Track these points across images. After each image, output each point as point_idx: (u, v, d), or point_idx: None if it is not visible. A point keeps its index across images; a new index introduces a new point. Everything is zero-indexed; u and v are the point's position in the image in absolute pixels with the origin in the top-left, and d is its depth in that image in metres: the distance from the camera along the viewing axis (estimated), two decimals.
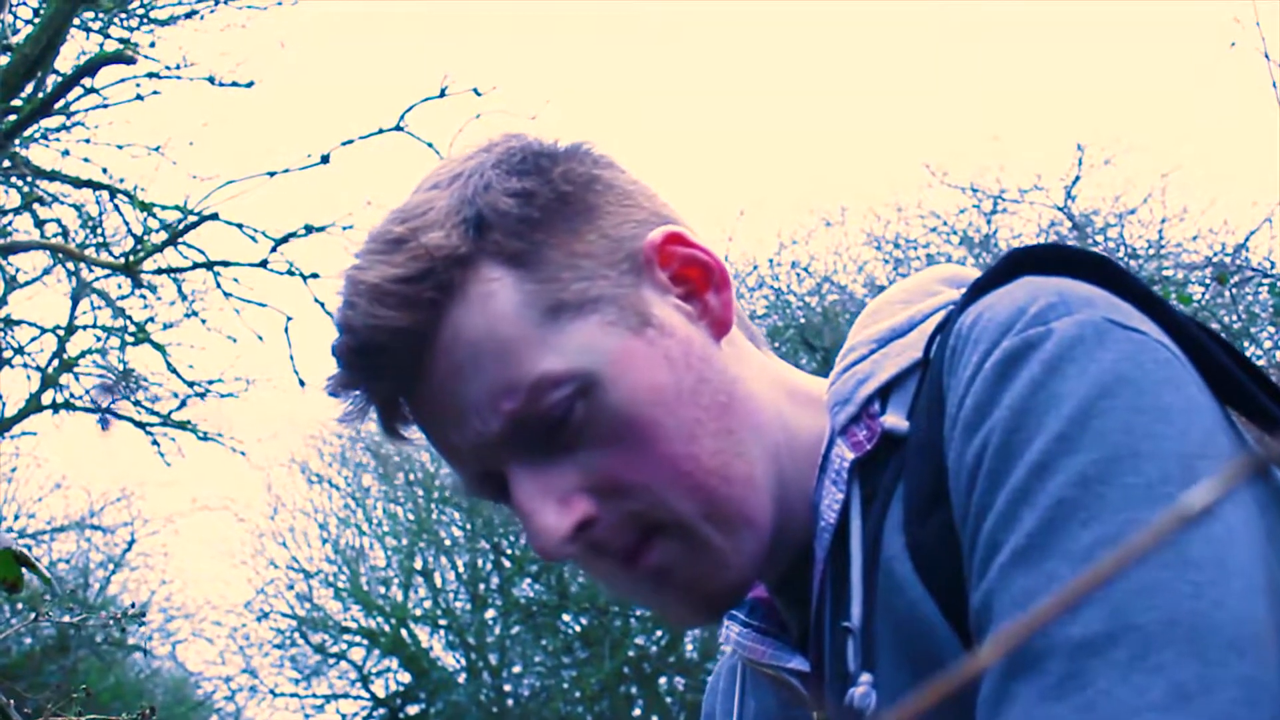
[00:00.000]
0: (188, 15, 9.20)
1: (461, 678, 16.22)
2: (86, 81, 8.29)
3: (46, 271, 9.98)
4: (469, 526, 15.77)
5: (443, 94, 7.72)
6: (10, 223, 8.87)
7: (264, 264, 8.23)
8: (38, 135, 8.86)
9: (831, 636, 1.00)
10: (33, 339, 10.36)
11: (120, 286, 9.42)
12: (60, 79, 7.92)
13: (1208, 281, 8.67)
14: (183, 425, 10.02)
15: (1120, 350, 0.85)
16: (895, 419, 0.99)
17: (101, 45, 8.68)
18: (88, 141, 9.04)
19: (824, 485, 1.02)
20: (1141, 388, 0.83)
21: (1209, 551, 0.78)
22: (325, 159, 7.37)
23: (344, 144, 7.46)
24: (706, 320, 1.06)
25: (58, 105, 8.31)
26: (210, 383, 9.96)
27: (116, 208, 8.82)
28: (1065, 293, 0.89)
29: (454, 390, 1.00)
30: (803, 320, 12.39)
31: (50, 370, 10.40)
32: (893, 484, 0.97)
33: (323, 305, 7.83)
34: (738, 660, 1.22)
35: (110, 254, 8.73)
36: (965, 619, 0.88)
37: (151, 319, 9.66)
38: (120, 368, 9.91)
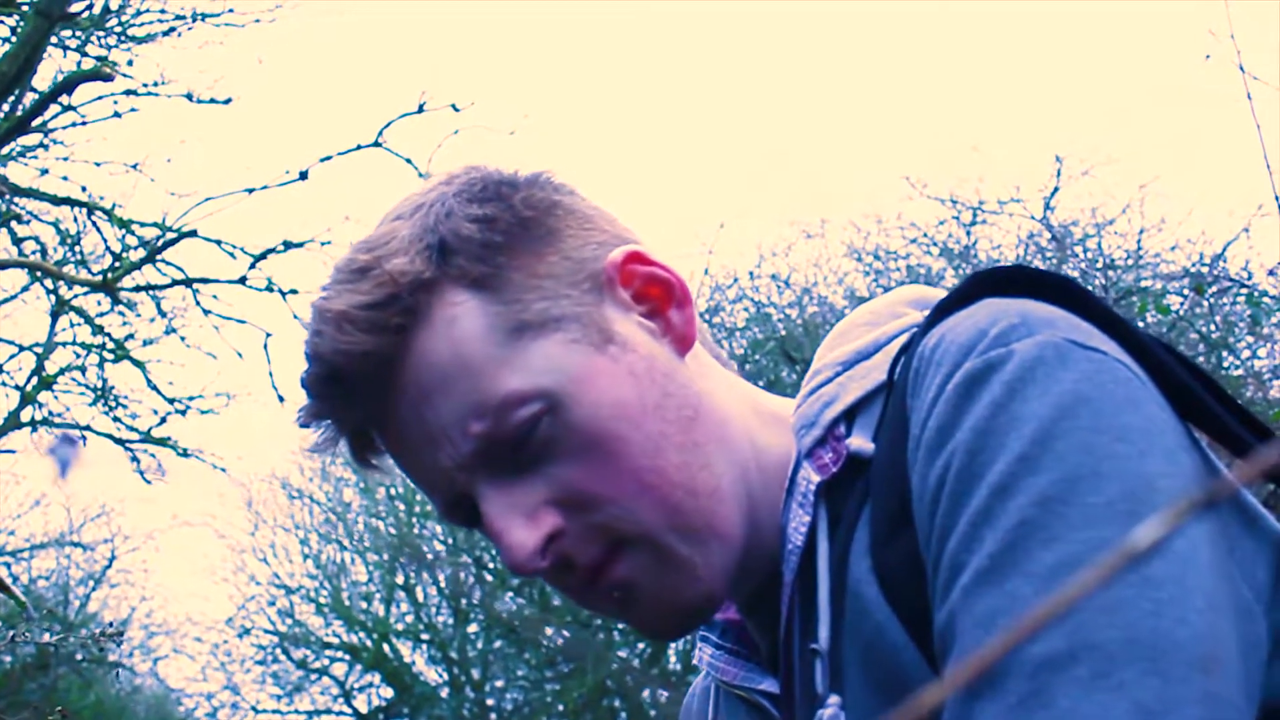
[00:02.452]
0: (165, 33, 9.21)
1: (444, 692, 16.18)
2: (64, 99, 8.28)
3: (25, 289, 9.96)
4: (450, 540, 15.74)
5: (421, 110, 7.73)
6: None
7: (243, 280, 8.23)
8: (15, 153, 8.84)
9: (800, 659, 1.00)
10: (11, 357, 10.35)
11: (99, 304, 9.41)
12: (38, 97, 7.91)
13: (1186, 292, 8.71)
14: (163, 442, 9.99)
15: (1081, 371, 0.85)
16: (861, 441, 0.99)
17: (79, 63, 8.67)
18: (66, 159, 9.04)
19: (791, 508, 1.02)
20: (1102, 408, 0.84)
21: (1170, 569, 0.78)
22: (304, 175, 7.38)
23: (322, 160, 7.47)
24: (670, 336, 1.07)
25: (35, 123, 8.30)
26: (190, 399, 9.94)
27: (95, 225, 8.81)
28: (1027, 314, 0.90)
29: (423, 415, 1.01)
30: (783, 332, 12.39)
31: (29, 388, 10.37)
32: (859, 506, 0.97)
33: (302, 321, 7.82)
34: (711, 682, 1.22)
35: (89, 271, 8.71)
36: (931, 640, 0.88)
37: (130, 336, 9.65)
38: (96, 390, 9.87)
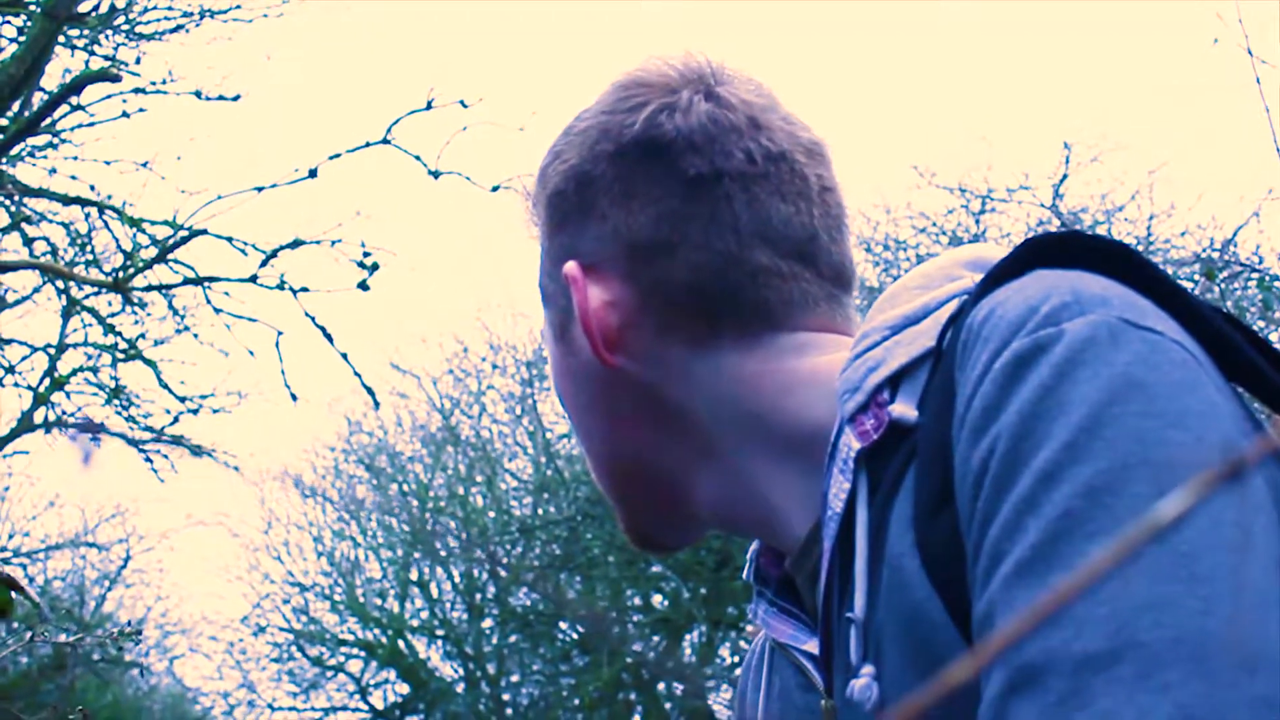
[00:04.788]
0: (173, 30, 9.20)
1: (460, 688, 16.21)
2: (73, 99, 8.29)
3: (36, 290, 9.97)
4: (464, 536, 15.76)
5: (429, 107, 7.71)
6: None
7: (254, 279, 8.21)
8: (25, 153, 8.85)
9: (837, 625, 0.99)
10: (23, 358, 10.35)
11: (110, 304, 9.41)
12: (46, 97, 7.91)
13: (1196, 277, 8.67)
14: (175, 441, 10.00)
15: (1134, 352, 0.82)
16: (904, 408, 0.96)
17: (87, 62, 8.67)
18: (75, 159, 9.02)
19: (832, 474, 1.00)
20: (1155, 392, 0.80)
21: (1221, 564, 0.75)
22: (313, 173, 7.36)
23: (332, 158, 7.44)
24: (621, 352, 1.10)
25: (44, 123, 8.30)
26: (202, 398, 9.96)
27: (105, 224, 8.80)
28: (1079, 290, 0.86)
29: None
30: None
31: (42, 389, 10.38)
32: (899, 475, 0.95)
33: (313, 319, 7.82)
34: (762, 644, 1.22)
35: (100, 271, 8.72)
36: (970, 621, 0.86)
37: (142, 335, 9.66)
38: (109, 390, 9.89)
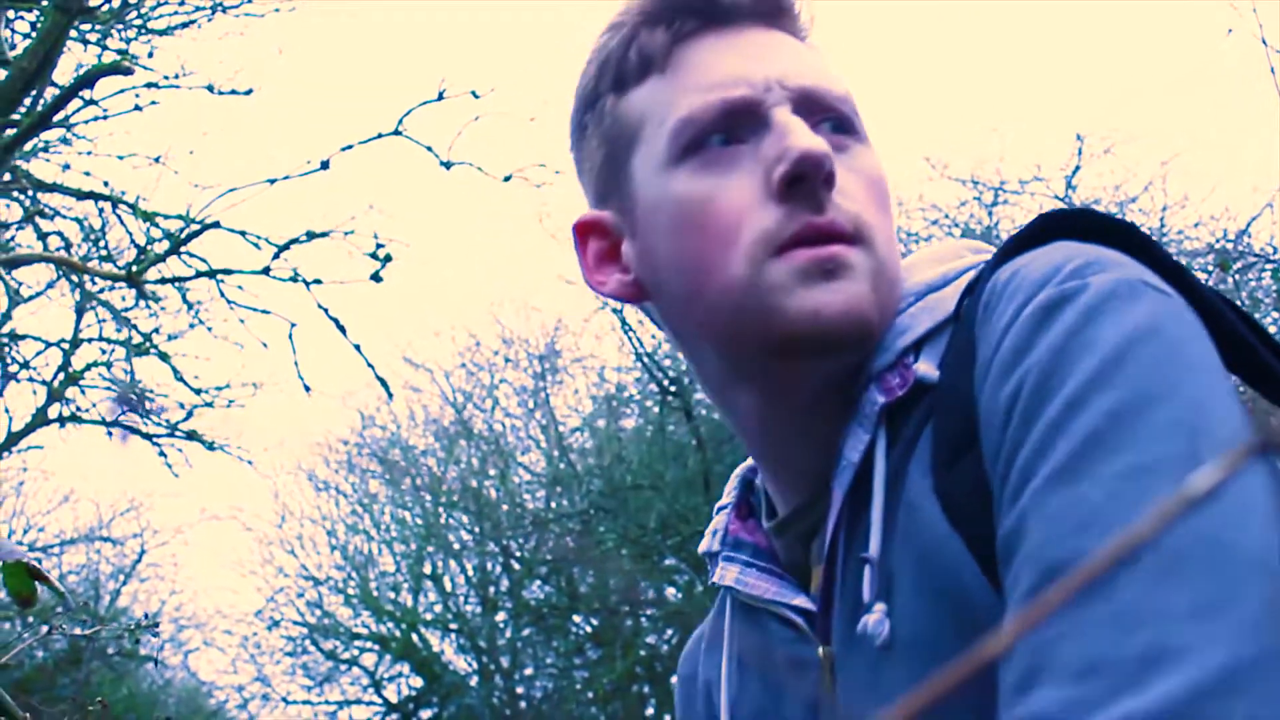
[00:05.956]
0: (185, 25, 9.21)
1: (473, 681, 16.23)
2: (85, 93, 8.27)
3: (50, 285, 9.98)
4: (478, 529, 15.78)
5: (440, 97, 7.70)
6: (13, 237, 8.88)
7: (267, 271, 8.20)
8: (38, 148, 8.86)
9: (845, 569, 1.05)
10: (38, 353, 10.37)
11: (124, 298, 9.42)
12: (59, 91, 7.90)
13: (1210, 268, 8.66)
14: (190, 436, 10.01)
15: (1152, 306, 0.90)
16: (927, 367, 1.04)
17: (99, 57, 8.67)
18: (89, 154, 9.03)
19: (852, 429, 1.06)
20: (1171, 340, 0.88)
21: (1230, 486, 0.80)
22: (325, 165, 7.35)
23: (344, 149, 7.42)
24: None
25: (57, 118, 8.29)
26: (218, 389, 9.95)
27: (119, 219, 8.81)
28: (1100, 255, 0.94)
29: (782, 46, 1.15)
30: None
31: (56, 384, 10.40)
32: (919, 428, 1.02)
33: (326, 310, 7.82)
34: (713, 621, 1.29)
35: (114, 265, 8.72)
36: (992, 561, 0.92)
37: (156, 329, 9.66)
38: (129, 380, 9.90)
